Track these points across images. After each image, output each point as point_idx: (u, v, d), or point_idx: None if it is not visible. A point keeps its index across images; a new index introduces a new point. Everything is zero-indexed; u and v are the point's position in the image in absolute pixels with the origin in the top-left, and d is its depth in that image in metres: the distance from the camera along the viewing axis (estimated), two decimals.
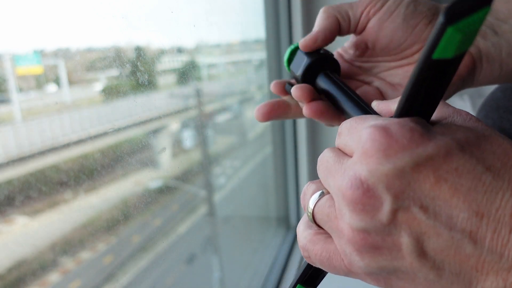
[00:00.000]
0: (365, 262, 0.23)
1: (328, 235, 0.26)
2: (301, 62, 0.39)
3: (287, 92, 0.42)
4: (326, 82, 0.37)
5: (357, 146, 0.23)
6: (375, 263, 0.22)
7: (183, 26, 0.64)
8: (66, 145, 0.45)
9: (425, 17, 0.37)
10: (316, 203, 0.26)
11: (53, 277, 0.45)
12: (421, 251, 0.21)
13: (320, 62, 0.39)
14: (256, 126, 1.20)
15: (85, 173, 0.44)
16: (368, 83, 0.43)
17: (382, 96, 0.41)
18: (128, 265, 0.62)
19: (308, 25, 0.99)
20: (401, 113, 0.23)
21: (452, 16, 0.17)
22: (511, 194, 0.19)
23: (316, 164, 0.27)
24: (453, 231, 0.20)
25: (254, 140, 1.20)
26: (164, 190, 0.69)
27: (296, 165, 1.10)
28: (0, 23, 0.35)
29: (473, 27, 0.18)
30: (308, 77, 0.39)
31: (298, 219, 1.14)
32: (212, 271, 0.93)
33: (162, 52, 0.65)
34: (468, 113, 0.24)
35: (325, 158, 0.26)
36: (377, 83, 0.42)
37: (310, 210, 0.26)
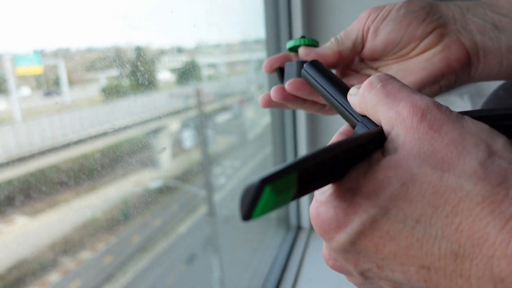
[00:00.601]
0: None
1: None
2: (295, 69, 0.42)
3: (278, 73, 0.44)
4: (312, 73, 0.35)
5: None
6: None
7: (183, 26, 0.64)
8: (66, 145, 0.45)
9: (417, 16, 0.38)
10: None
11: (53, 277, 0.45)
12: None
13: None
14: (256, 126, 1.20)
15: (85, 173, 0.44)
16: (367, 76, 0.44)
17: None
18: (128, 265, 0.62)
19: (308, 25, 0.99)
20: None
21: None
22: (447, 241, 0.19)
23: None
24: (411, 283, 0.21)
25: (254, 140, 1.20)
26: (164, 190, 0.69)
27: None
28: (0, 23, 0.35)
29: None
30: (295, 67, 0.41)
31: (298, 219, 1.14)
32: (212, 271, 0.93)
33: (162, 52, 0.65)
34: (412, 118, 0.21)
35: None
36: (390, 71, 0.44)
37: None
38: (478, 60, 0.38)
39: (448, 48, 0.38)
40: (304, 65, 0.34)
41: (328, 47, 0.42)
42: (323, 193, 0.23)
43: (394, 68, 0.41)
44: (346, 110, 0.29)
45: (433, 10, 0.38)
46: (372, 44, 0.40)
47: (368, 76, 0.44)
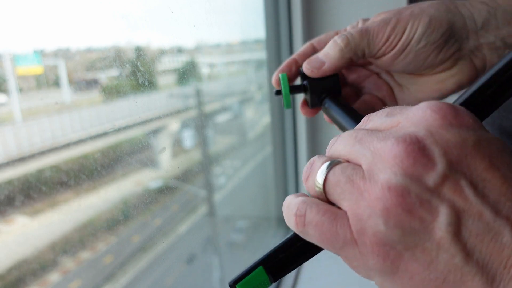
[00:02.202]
0: (388, 226, 0.20)
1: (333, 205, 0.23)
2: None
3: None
4: (333, 107, 0.38)
5: (411, 115, 0.21)
6: (399, 230, 0.20)
7: (183, 26, 0.64)
8: (66, 145, 0.45)
9: (437, 47, 0.37)
10: (331, 168, 0.23)
11: (53, 277, 0.45)
12: (456, 229, 0.19)
13: (324, 86, 0.41)
14: (256, 126, 1.20)
15: (85, 173, 0.44)
16: (377, 74, 0.44)
17: (391, 92, 0.43)
18: (128, 265, 0.62)
19: (308, 25, 0.99)
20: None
21: None
22: None
23: None
24: (497, 216, 0.19)
25: (254, 140, 1.20)
26: (164, 190, 0.69)
27: (296, 165, 1.10)
28: (1, 23, 0.35)
29: None
30: (315, 99, 0.41)
31: None
32: (212, 271, 0.93)
33: (162, 52, 0.65)
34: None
35: (352, 132, 0.23)
36: (385, 76, 0.43)
37: (322, 177, 0.23)
38: (483, 74, 0.39)
39: (462, 71, 0.39)
40: (325, 99, 0.40)
41: (335, 58, 0.39)
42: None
43: (406, 80, 0.42)
44: None
45: (451, 34, 0.37)
46: (388, 62, 0.39)
47: (376, 73, 0.44)
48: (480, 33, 0.38)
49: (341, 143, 0.24)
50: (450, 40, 0.37)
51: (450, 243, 0.19)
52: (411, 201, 0.20)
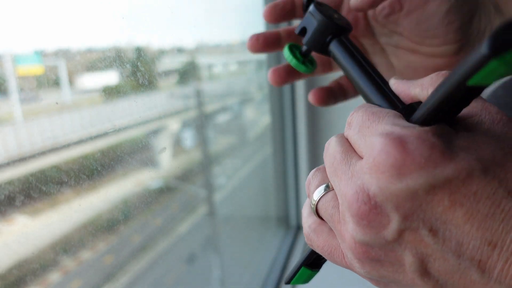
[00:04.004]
0: (366, 270, 0.23)
1: (331, 228, 0.26)
2: (311, 23, 0.33)
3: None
4: (340, 51, 0.32)
5: (368, 153, 0.21)
6: (375, 272, 0.22)
7: (183, 26, 0.64)
8: (67, 145, 0.45)
9: (461, 18, 0.36)
10: (320, 198, 0.25)
11: (54, 277, 0.45)
12: (424, 271, 0.20)
13: (333, 28, 0.33)
14: (256, 126, 1.20)
15: (85, 173, 0.44)
16: (383, 49, 0.41)
17: (393, 69, 0.40)
18: (129, 265, 0.62)
19: None
20: (423, 120, 0.21)
21: (498, 48, 0.15)
22: None
23: (316, 164, 0.27)
24: (461, 258, 0.19)
25: (254, 140, 1.20)
26: (164, 190, 0.69)
27: (296, 165, 1.11)
28: (1, 23, 0.35)
29: None
30: (317, 42, 0.33)
31: (298, 219, 1.14)
32: (212, 271, 0.93)
33: (162, 52, 0.65)
34: (498, 110, 0.22)
35: (332, 151, 0.24)
36: (378, 57, 0.41)
37: (314, 202, 0.26)
38: None
39: (458, 62, 0.38)
40: (331, 43, 0.32)
41: None
42: (408, 127, 0.20)
43: (402, 58, 0.39)
44: (384, 94, 0.27)
45: (472, 19, 0.36)
46: (412, 8, 0.36)
47: (384, 49, 0.41)
48: (487, 29, 0.37)
49: (327, 160, 0.25)
50: (470, 24, 0.36)
51: (421, 282, 0.21)
52: (376, 253, 0.21)
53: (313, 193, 0.26)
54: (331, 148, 0.25)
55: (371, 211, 0.20)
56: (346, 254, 0.24)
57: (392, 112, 0.23)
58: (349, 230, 0.22)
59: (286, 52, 0.36)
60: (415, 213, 0.19)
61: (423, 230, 0.19)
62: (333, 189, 0.25)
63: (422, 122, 0.21)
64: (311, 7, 0.33)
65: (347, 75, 0.32)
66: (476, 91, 0.19)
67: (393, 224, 0.20)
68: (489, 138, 0.20)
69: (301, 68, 0.36)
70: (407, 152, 0.19)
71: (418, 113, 0.21)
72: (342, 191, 0.22)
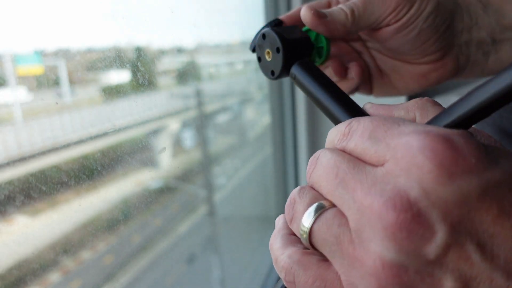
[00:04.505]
0: None
1: (322, 258, 0.21)
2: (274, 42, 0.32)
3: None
4: (304, 75, 0.30)
5: (400, 154, 0.18)
6: None
7: (183, 26, 0.64)
8: (67, 145, 0.45)
9: (437, 31, 0.35)
10: (315, 219, 0.20)
11: (54, 276, 0.45)
12: None
13: (298, 47, 0.32)
14: (256, 126, 1.20)
15: (85, 173, 0.44)
16: (359, 53, 0.40)
17: (368, 75, 0.40)
18: (129, 265, 0.62)
19: None
20: (450, 126, 0.19)
21: None
22: None
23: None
24: (509, 280, 0.16)
25: (254, 140, 1.20)
26: (164, 190, 0.69)
27: (296, 165, 1.11)
28: (1, 23, 0.35)
29: None
30: (286, 62, 0.31)
31: None
32: (212, 271, 0.93)
33: (162, 52, 0.65)
34: (489, 135, 0.20)
35: (332, 161, 0.20)
36: (367, 58, 0.40)
37: (307, 227, 0.20)
38: (463, 71, 0.38)
39: (444, 66, 0.37)
40: (293, 67, 0.30)
41: (339, 21, 0.34)
42: (442, 128, 0.18)
43: (389, 65, 0.39)
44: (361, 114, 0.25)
45: (451, 23, 0.36)
46: (387, 36, 0.36)
47: (357, 52, 0.40)
48: (473, 28, 0.36)
49: (322, 174, 0.20)
50: (449, 30, 0.36)
51: None
52: (410, 278, 0.17)
53: (302, 214, 0.21)
54: (327, 160, 0.20)
55: (413, 219, 0.16)
56: (357, 285, 0.18)
57: (408, 120, 0.20)
58: (374, 250, 0.17)
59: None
60: (463, 223, 0.16)
61: (471, 245, 0.16)
62: (332, 206, 0.20)
63: (447, 125, 0.19)
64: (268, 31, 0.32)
65: (314, 100, 0.29)
66: None
67: (439, 237, 0.16)
68: (508, 150, 0.19)
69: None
70: (457, 150, 0.17)
71: (443, 118, 0.19)
72: (360, 202, 0.18)
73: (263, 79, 1.04)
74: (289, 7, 0.97)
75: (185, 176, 0.79)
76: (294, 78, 0.31)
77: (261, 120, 1.19)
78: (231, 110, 1.07)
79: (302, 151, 1.07)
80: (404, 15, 0.34)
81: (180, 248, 0.82)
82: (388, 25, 0.35)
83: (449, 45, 0.37)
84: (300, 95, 1.03)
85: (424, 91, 0.39)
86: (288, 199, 0.22)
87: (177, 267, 0.81)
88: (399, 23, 0.34)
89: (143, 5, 0.52)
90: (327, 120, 1.08)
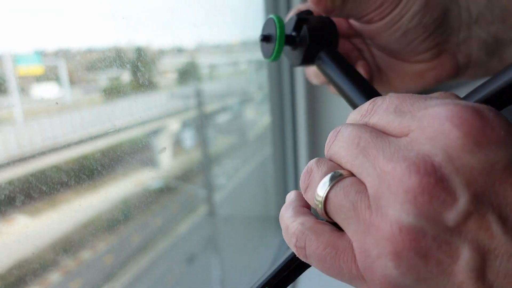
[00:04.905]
0: (400, 271, 0.17)
1: (334, 228, 0.21)
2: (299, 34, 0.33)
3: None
4: (329, 64, 0.32)
5: (426, 123, 0.17)
6: (413, 275, 0.17)
7: (183, 26, 0.64)
8: (67, 145, 0.45)
9: (426, 31, 0.35)
10: (332, 186, 0.20)
11: (54, 277, 0.45)
12: (481, 272, 0.16)
13: (323, 35, 0.33)
14: (256, 126, 1.20)
15: (86, 173, 0.44)
16: (360, 50, 0.41)
17: (369, 72, 0.40)
18: (128, 265, 0.62)
19: None
20: (477, 101, 0.19)
21: None
22: None
23: None
24: None
25: (254, 140, 1.20)
26: (164, 190, 0.69)
27: (296, 165, 1.10)
28: (1, 23, 0.35)
29: None
30: (311, 51, 0.33)
31: None
32: (212, 271, 0.93)
33: (162, 53, 0.65)
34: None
35: (354, 133, 0.20)
36: (368, 56, 0.40)
37: (322, 194, 0.20)
38: (465, 71, 0.37)
39: (442, 65, 0.37)
40: (320, 53, 0.32)
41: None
42: (475, 103, 0.17)
43: (386, 62, 0.39)
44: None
45: (443, 21, 0.35)
46: (374, 32, 0.36)
47: (359, 49, 0.40)
48: (473, 26, 0.35)
49: (342, 145, 0.20)
50: (441, 28, 0.35)
51: (472, 286, 0.16)
52: (427, 244, 0.16)
53: (318, 182, 0.21)
54: (348, 132, 0.20)
55: (436, 184, 0.16)
56: (371, 251, 0.18)
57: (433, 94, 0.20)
58: (392, 213, 0.17)
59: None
60: (486, 193, 0.16)
61: (492, 216, 0.16)
62: (351, 175, 0.20)
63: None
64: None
65: (338, 89, 0.31)
66: None
67: (461, 204, 0.16)
68: None
69: (279, 45, 0.34)
70: (487, 120, 0.16)
71: (472, 97, 0.20)
72: (381, 168, 0.17)
73: (263, 79, 1.04)
74: (289, 7, 0.97)
75: (185, 176, 0.79)
76: (320, 66, 0.32)
77: (261, 120, 1.19)
78: (231, 110, 1.07)
79: (302, 151, 1.07)
80: (388, 14, 0.34)
81: (180, 248, 0.82)
82: (371, 22, 0.35)
83: (443, 43, 0.36)
84: (300, 95, 1.03)
85: (425, 91, 0.39)
86: (305, 168, 0.22)
87: (177, 267, 0.81)
88: (383, 22, 0.34)
89: (143, 5, 0.52)
90: (327, 120, 1.09)
